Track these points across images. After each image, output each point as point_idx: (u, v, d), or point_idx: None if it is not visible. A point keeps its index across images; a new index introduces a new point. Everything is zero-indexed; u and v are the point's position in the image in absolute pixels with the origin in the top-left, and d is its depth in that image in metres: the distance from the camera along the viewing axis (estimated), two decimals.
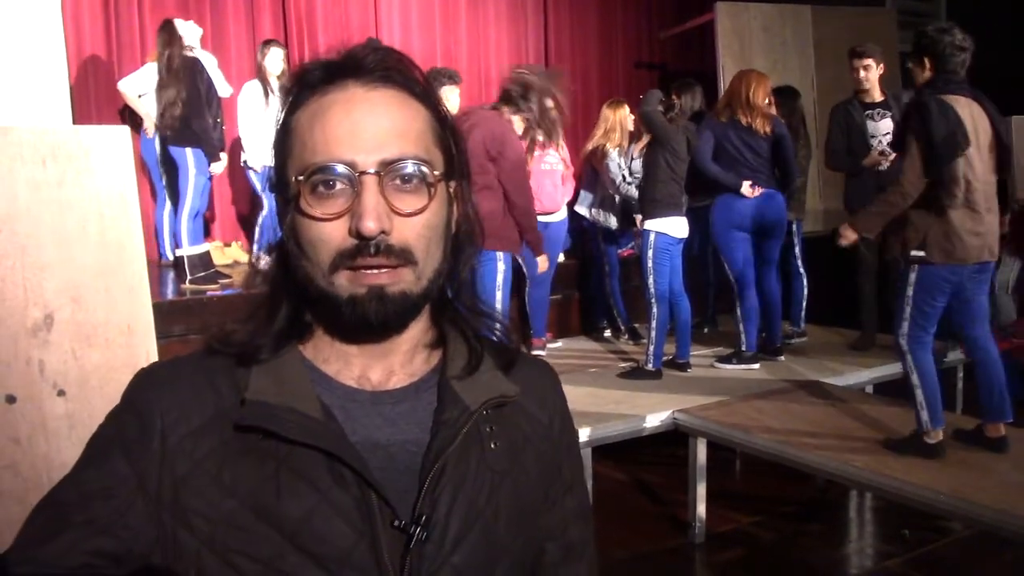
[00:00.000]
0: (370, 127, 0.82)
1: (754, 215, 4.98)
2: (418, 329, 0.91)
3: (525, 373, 0.97)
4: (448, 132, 0.89)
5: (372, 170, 0.81)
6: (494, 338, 0.97)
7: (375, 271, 0.81)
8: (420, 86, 0.87)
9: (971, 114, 3.44)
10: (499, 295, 4.19)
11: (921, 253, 3.48)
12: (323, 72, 0.85)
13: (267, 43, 5.95)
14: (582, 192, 6.05)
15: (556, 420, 1.00)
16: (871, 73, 5.09)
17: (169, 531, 0.82)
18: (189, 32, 5.40)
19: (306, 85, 0.86)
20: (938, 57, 3.47)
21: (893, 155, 4.70)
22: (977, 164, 3.45)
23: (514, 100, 4.28)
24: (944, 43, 3.43)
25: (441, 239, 0.86)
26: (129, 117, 6.02)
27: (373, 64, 0.85)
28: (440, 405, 0.89)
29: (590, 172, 5.97)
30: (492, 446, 0.90)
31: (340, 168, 0.81)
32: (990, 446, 3.59)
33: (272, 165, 0.89)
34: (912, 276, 3.51)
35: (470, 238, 0.92)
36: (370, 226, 0.79)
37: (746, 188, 4.89)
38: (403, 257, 0.82)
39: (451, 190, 0.89)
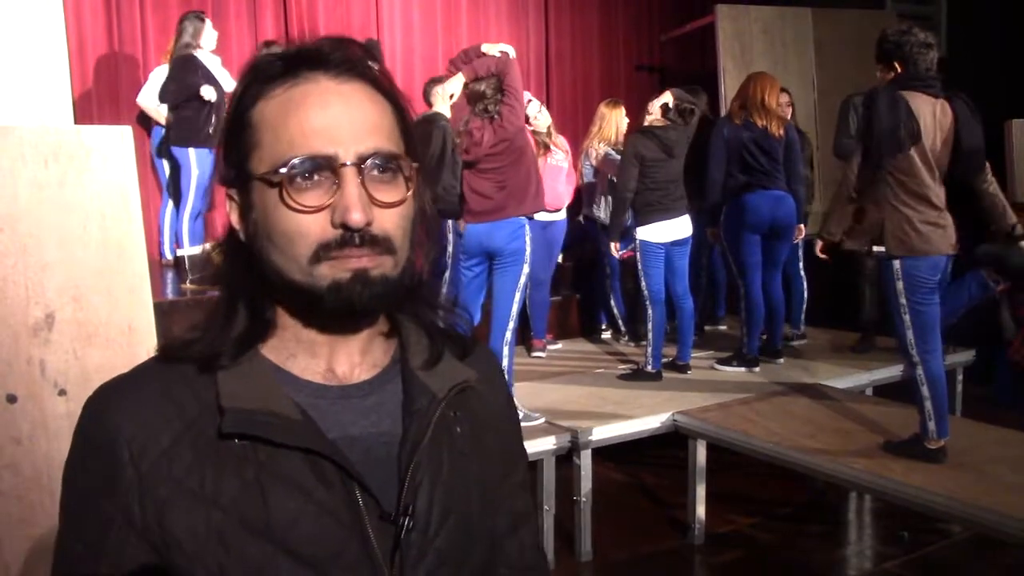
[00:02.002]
0: (346, 120, 0.83)
1: (767, 217, 4.99)
2: (377, 316, 0.92)
3: (475, 357, 0.99)
4: (407, 124, 0.90)
5: (351, 162, 0.81)
6: (445, 326, 0.98)
7: (357, 257, 0.82)
8: (379, 76, 0.88)
9: (933, 111, 3.42)
10: (517, 296, 4.20)
11: (881, 248, 3.49)
12: (283, 64, 0.85)
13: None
14: (584, 194, 6.07)
15: (503, 399, 1.04)
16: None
17: (161, 554, 0.82)
18: (208, 35, 5.41)
19: (264, 78, 0.85)
20: (906, 59, 3.43)
21: None
22: (933, 162, 3.43)
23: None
24: (910, 43, 3.40)
25: (412, 229, 0.87)
26: (135, 121, 6.02)
27: (340, 59, 0.85)
28: (408, 396, 0.90)
29: (589, 170, 5.98)
30: (458, 430, 0.92)
31: (321, 161, 0.81)
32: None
33: (228, 161, 0.87)
34: (899, 285, 3.49)
35: (428, 232, 0.93)
36: (357, 218, 0.80)
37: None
38: (385, 246, 0.83)
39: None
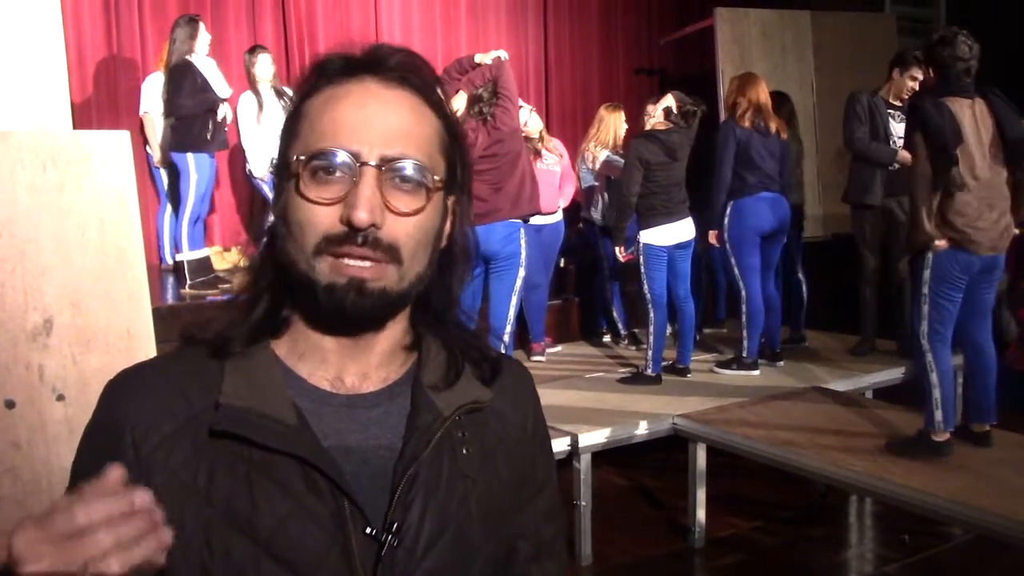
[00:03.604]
0: (379, 122, 0.83)
1: (772, 220, 5.03)
2: (397, 331, 0.91)
3: (503, 377, 0.97)
4: (456, 146, 0.90)
5: (373, 163, 0.81)
6: (476, 349, 0.97)
7: (358, 263, 0.81)
8: (436, 95, 0.88)
9: (972, 114, 3.54)
10: (513, 300, 4.19)
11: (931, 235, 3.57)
12: (343, 64, 0.86)
13: (253, 50, 5.88)
14: (582, 197, 6.07)
15: (529, 419, 1.00)
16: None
17: None
18: (202, 39, 5.40)
19: (324, 75, 0.87)
20: (940, 67, 3.58)
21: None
22: (978, 161, 3.51)
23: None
24: (944, 55, 3.54)
25: (430, 245, 0.87)
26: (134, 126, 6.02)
27: (394, 64, 0.86)
28: (413, 410, 0.89)
29: (586, 173, 5.97)
30: (464, 451, 0.90)
31: (342, 155, 0.81)
32: (975, 441, 3.66)
33: (279, 150, 0.89)
34: (926, 274, 3.56)
35: (464, 256, 0.93)
36: (362, 216, 0.80)
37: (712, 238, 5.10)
38: (389, 254, 0.82)
39: (449, 204, 0.90)
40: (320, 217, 0.82)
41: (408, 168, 0.83)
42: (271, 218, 0.90)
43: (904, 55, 5.24)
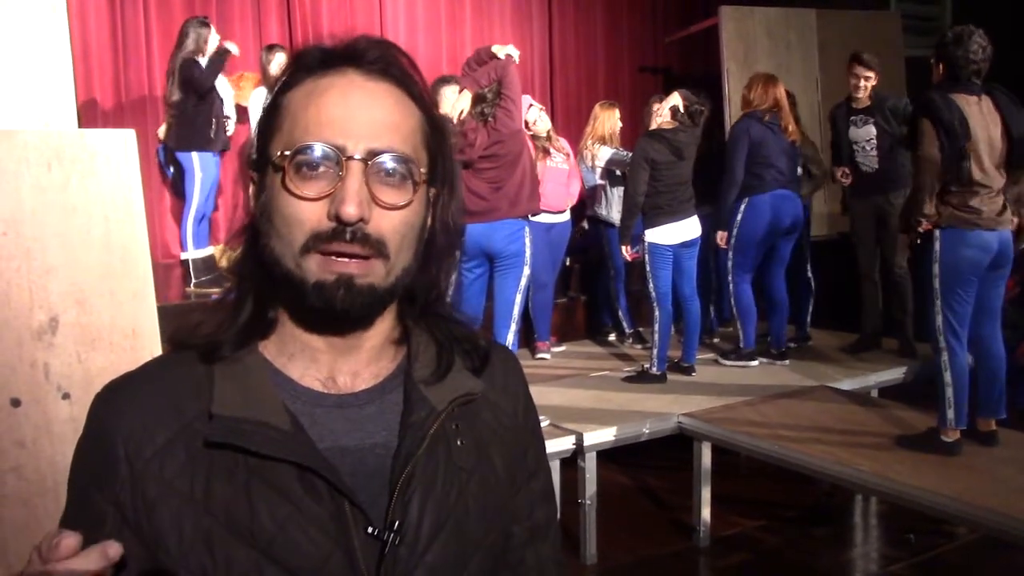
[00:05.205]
0: (363, 115, 0.82)
1: (785, 216, 5.08)
2: (386, 326, 0.90)
3: (492, 364, 0.97)
4: (438, 138, 0.89)
5: (359, 156, 0.80)
6: (466, 340, 0.96)
7: (346, 259, 0.81)
8: (417, 87, 0.87)
9: (980, 111, 3.55)
10: (518, 298, 4.21)
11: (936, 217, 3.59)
12: (322, 56, 0.85)
13: (271, 48, 5.95)
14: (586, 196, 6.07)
15: (520, 406, 1.00)
16: (870, 83, 5.07)
17: (150, 552, 0.82)
18: (212, 42, 5.41)
19: (302, 67, 0.85)
20: (951, 67, 3.59)
21: (849, 180, 5.07)
22: (986, 158, 3.53)
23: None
24: (957, 56, 3.55)
25: (416, 239, 0.86)
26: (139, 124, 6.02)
27: (374, 57, 0.85)
28: (407, 407, 0.88)
29: (586, 172, 5.97)
30: (459, 443, 0.90)
31: (328, 150, 0.80)
32: (981, 440, 3.68)
33: (256, 144, 0.88)
34: (936, 267, 3.54)
35: (449, 248, 0.92)
36: (350, 211, 0.79)
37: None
38: (377, 249, 0.81)
39: (430, 195, 0.89)
40: (307, 214, 0.81)
41: (394, 162, 0.82)
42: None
43: (855, 54, 5.22)
